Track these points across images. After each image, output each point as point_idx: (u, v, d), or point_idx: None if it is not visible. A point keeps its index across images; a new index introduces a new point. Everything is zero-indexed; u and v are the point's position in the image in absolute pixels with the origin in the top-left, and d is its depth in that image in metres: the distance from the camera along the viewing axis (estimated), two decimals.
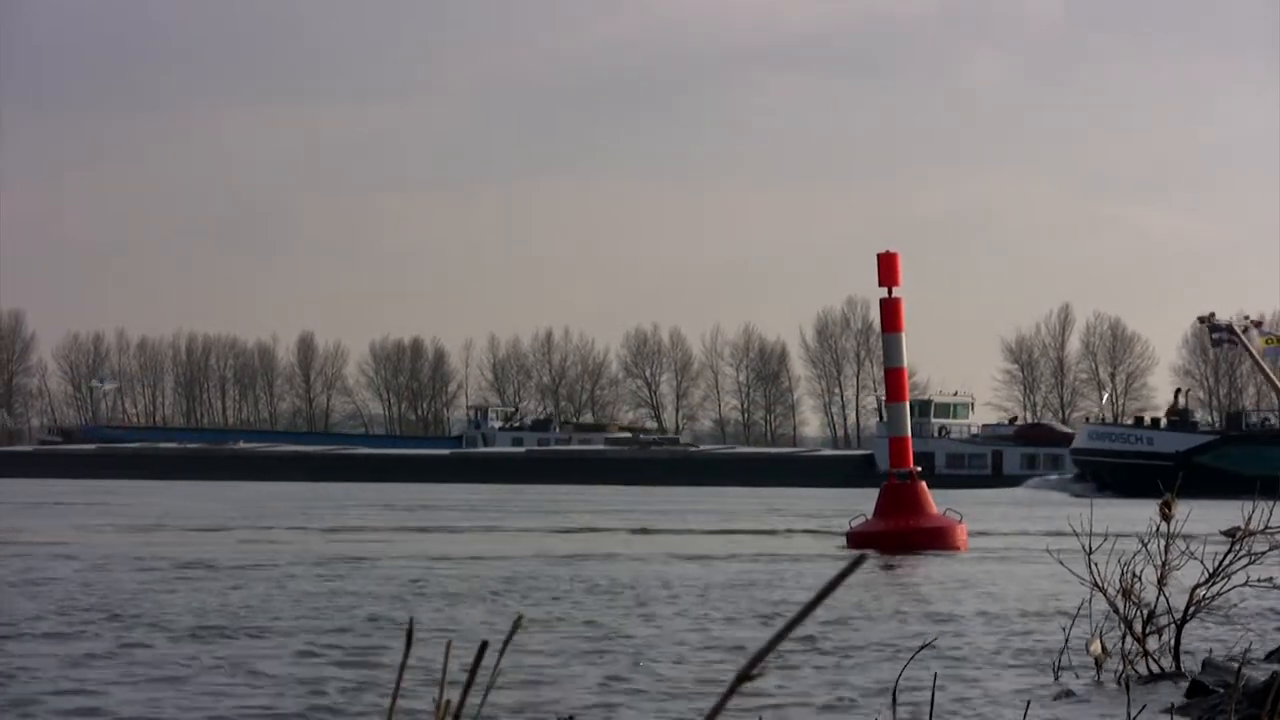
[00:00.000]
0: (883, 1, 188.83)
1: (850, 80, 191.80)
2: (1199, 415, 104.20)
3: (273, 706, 11.48)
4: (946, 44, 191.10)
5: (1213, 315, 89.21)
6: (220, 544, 31.02)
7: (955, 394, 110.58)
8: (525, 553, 28.52)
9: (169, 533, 35.55)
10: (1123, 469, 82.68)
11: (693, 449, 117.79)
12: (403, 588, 20.70)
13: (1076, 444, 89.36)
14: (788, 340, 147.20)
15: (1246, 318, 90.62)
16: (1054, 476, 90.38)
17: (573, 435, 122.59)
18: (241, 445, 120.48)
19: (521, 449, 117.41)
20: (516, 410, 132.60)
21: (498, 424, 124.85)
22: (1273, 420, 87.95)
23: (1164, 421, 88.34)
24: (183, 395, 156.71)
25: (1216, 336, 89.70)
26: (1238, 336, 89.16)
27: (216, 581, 21.30)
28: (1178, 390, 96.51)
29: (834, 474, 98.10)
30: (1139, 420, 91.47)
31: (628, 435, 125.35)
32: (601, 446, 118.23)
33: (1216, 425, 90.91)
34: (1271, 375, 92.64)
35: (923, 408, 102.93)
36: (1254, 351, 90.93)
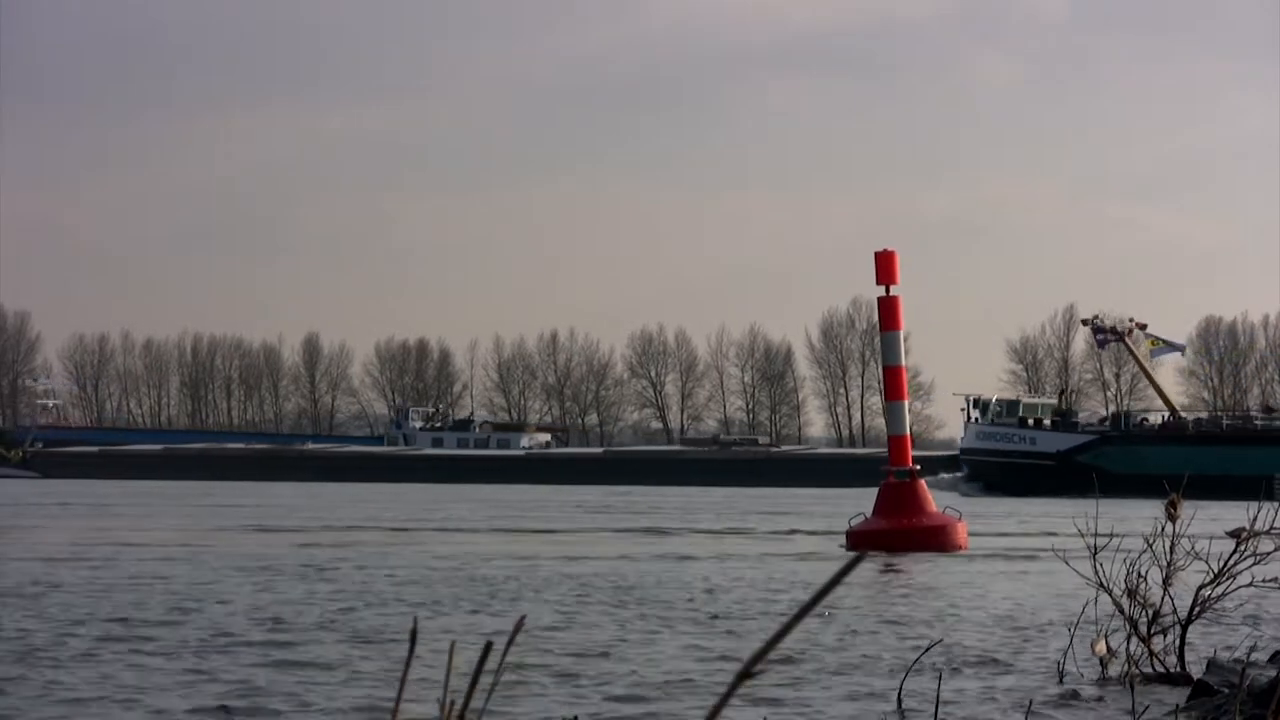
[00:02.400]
0: (886, 2, 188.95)
1: (855, 81, 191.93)
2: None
3: None
4: (950, 45, 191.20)
5: (1096, 318, 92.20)
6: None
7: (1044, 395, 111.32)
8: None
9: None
10: (1008, 468, 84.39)
11: (774, 450, 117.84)
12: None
13: (965, 444, 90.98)
14: (793, 341, 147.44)
15: (1131, 320, 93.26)
16: (943, 476, 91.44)
17: (491, 435, 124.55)
18: (310, 446, 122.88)
19: (599, 449, 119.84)
20: (438, 410, 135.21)
21: (418, 424, 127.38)
22: (1149, 421, 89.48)
23: (1047, 422, 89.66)
24: (188, 396, 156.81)
25: (1101, 338, 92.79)
26: (1122, 338, 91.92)
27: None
28: (1061, 391, 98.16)
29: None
30: (1023, 421, 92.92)
31: (549, 433, 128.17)
32: (680, 448, 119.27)
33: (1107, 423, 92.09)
34: (1153, 376, 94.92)
35: (1010, 408, 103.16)
36: (1136, 353, 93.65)
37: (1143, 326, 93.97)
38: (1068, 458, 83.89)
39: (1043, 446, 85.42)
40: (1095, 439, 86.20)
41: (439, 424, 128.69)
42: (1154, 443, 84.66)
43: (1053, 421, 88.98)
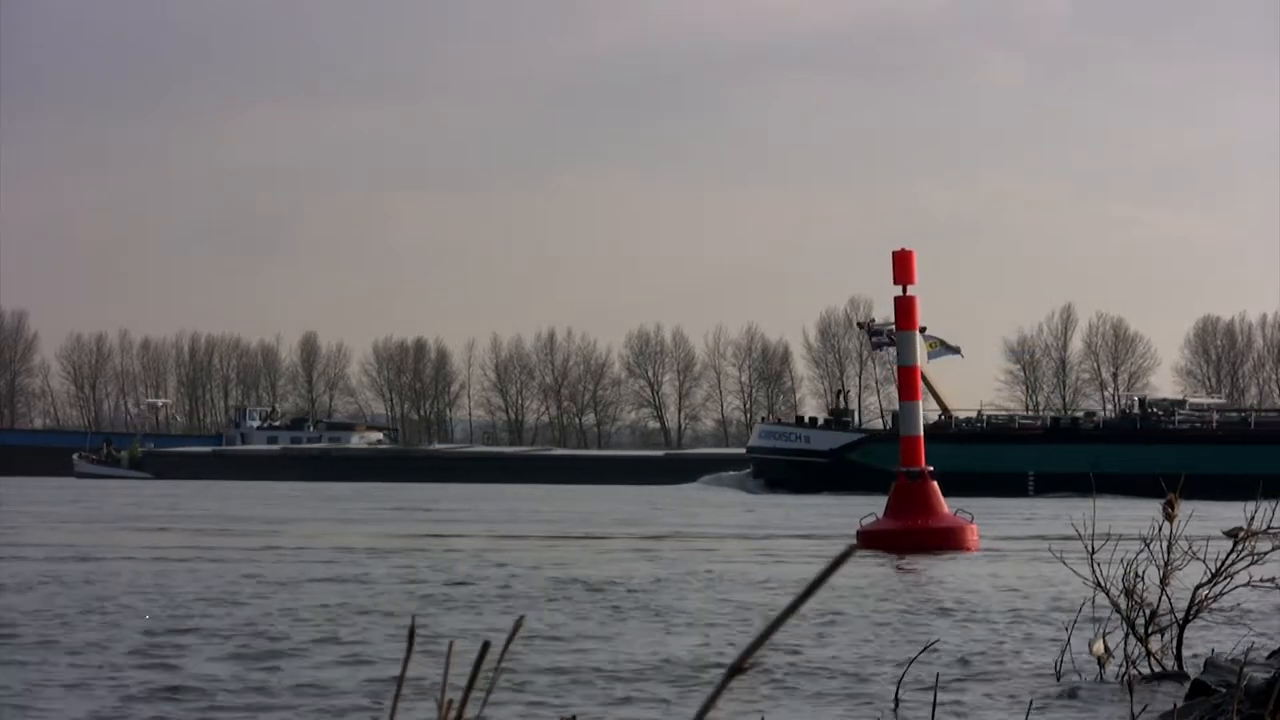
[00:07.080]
0: (888, 2, 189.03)
1: (855, 81, 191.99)
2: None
3: None
4: (952, 45, 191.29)
5: (872, 321, 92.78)
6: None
7: (1181, 394, 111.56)
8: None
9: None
10: (786, 465, 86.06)
11: None
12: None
13: (751, 442, 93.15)
14: (790, 340, 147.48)
15: None
16: (729, 474, 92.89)
17: (324, 434, 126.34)
18: (438, 447, 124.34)
19: (732, 453, 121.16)
20: (274, 410, 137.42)
21: (255, 423, 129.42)
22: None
23: (821, 420, 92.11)
24: (186, 395, 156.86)
25: (876, 340, 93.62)
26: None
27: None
28: (839, 391, 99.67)
29: None
30: (799, 419, 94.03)
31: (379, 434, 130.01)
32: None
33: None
34: (928, 377, 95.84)
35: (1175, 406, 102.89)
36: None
37: (922, 329, 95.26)
38: (839, 455, 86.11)
39: (816, 445, 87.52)
40: (864, 437, 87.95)
41: (275, 423, 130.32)
42: None
43: (825, 420, 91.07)
